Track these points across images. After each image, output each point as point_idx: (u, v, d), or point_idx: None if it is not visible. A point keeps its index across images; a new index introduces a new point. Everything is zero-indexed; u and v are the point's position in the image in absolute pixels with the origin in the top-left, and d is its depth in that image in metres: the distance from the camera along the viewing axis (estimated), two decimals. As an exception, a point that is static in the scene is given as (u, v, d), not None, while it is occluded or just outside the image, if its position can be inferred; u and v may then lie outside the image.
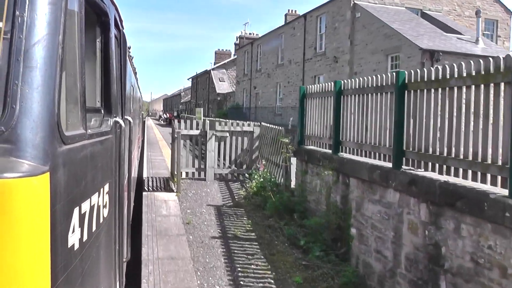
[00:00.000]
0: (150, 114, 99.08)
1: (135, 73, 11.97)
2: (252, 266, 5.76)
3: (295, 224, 7.22)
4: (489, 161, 3.83)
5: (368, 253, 5.52)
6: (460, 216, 3.97)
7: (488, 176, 3.86)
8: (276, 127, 9.60)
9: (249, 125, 11.10)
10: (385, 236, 5.17)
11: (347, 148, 6.57)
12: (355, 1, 21.37)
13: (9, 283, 1.43)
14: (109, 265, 2.77)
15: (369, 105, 5.92)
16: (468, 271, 3.82)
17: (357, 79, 6.31)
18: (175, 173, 9.56)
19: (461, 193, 3.94)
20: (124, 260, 3.44)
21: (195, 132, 10.58)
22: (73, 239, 1.83)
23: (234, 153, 10.90)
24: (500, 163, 3.70)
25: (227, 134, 10.74)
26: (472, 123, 4.09)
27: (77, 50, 2.10)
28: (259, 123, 11.28)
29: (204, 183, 10.27)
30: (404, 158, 5.11)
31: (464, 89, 4.22)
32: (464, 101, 4.24)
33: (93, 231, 2.19)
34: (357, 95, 6.25)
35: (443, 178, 4.38)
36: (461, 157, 4.21)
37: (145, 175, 11.00)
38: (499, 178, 3.71)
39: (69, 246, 1.77)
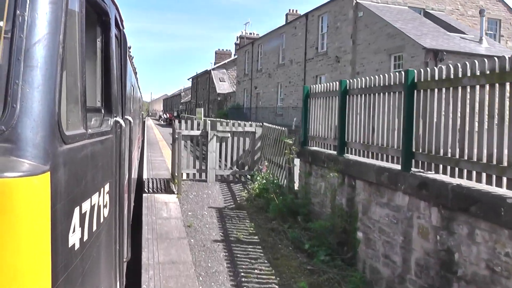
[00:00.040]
0: (150, 114, 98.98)
1: (135, 73, 11.86)
2: (256, 270, 5.58)
3: (299, 227, 7.05)
4: (505, 164, 3.66)
5: (375, 257, 5.35)
6: (474, 221, 3.80)
7: (504, 179, 3.69)
8: (279, 127, 9.43)
9: (251, 125, 10.93)
10: (393, 241, 5.00)
11: (353, 150, 6.39)
12: (358, 0, 21.19)
13: (9, 283, 1.43)
14: (109, 265, 2.77)
15: (376, 105, 5.75)
16: (483, 279, 3.65)
17: (363, 78, 6.13)
18: (176, 174, 9.39)
19: (475, 197, 3.77)
20: (124, 260, 3.43)
21: (196, 132, 10.41)
22: (74, 239, 1.83)
23: (235, 154, 10.73)
24: (517, 165, 3.53)
25: (229, 135, 10.57)
26: (486, 124, 3.92)
27: (78, 49, 2.09)
28: (261, 124, 11.11)
29: (205, 185, 10.10)
30: (413, 160, 4.94)
31: (477, 88, 4.05)
32: (477, 100, 4.07)
33: (93, 231, 2.19)
34: (363, 95, 6.08)
35: (455, 181, 4.21)
36: (475, 159, 4.04)
37: (145, 176, 10.83)
38: (516, 181, 3.54)
39: (69, 246, 1.77)
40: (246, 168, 10.74)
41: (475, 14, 23.07)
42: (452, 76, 4.36)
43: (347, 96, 6.50)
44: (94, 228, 2.21)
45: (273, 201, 7.80)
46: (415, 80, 4.93)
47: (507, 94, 3.68)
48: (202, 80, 56.02)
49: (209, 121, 11.00)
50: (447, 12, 22.72)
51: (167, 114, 65.97)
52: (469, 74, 4.13)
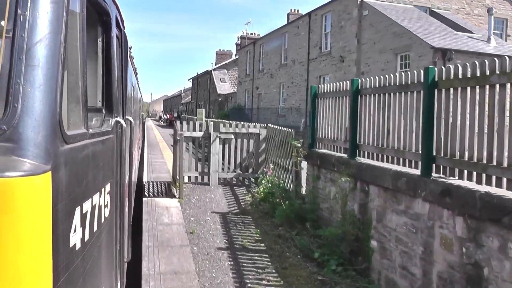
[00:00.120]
0: (150, 115, 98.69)
1: (136, 74, 11.60)
2: (264, 281, 5.24)
3: (307, 234, 6.69)
4: (543, 170, 3.31)
5: (391, 268, 5.00)
6: (507, 234, 3.45)
7: (542, 187, 3.34)
8: (285, 128, 9.07)
9: (255, 126, 10.57)
10: (412, 251, 4.65)
11: (365, 153, 6.05)
12: (362, -1, 20.83)
13: (11, 283, 1.43)
14: (110, 265, 2.76)
15: (391, 105, 5.40)
16: (519, 297, 3.30)
17: (377, 77, 5.79)
18: (177, 177, 9.04)
19: (508, 207, 3.42)
20: (125, 260, 3.42)
21: (198, 134, 10.06)
22: (75, 239, 1.84)
23: (239, 156, 10.38)
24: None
25: (232, 136, 10.22)
26: (519, 126, 3.58)
27: (79, 49, 2.08)
28: (265, 125, 10.75)
29: (208, 188, 9.75)
30: (434, 165, 4.58)
31: (508, 87, 3.70)
32: (508, 100, 3.72)
33: (94, 231, 2.19)
34: (377, 95, 5.73)
35: (482, 188, 3.86)
36: (505, 164, 3.69)
37: (145, 179, 10.47)
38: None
39: (70, 246, 1.77)
40: (250, 171, 10.39)
41: (481, 13, 22.72)
42: (478, 74, 4.01)
43: (359, 96, 6.15)
44: (95, 228, 2.22)
45: (279, 206, 7.44)
46: (436, 79, 4.59)
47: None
48: (203, 81, 55.68)
49: (211, 122, 10.64)
50: (453, 11, 22.36)
51: (167, 115, 65.66)
52: (498, 72, 3.79)
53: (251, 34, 45.89)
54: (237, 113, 37.01)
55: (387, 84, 5.48)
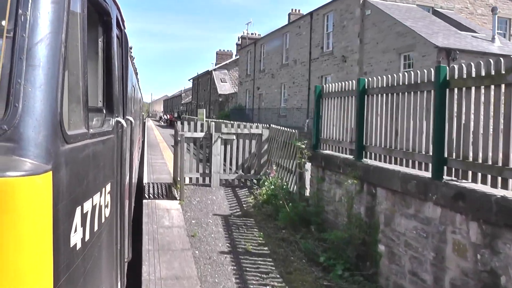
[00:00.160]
0: (151, 115, 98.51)
1: (136, 74, 11.45)
2: (268, 287, 5.07)
3: (312, 237, 6.52)
4: None
5: (400, 274, 4.82)
6: (526, 240, 3.28)
7: None
8: (289, 129, 8.89)
9: (257, 127, 10.39)
10: (422, 257, 4.48)
11: (372, 154, 5.87)
12: (365, -1, 20.65)
13: (11, 282, 1.43)
14: (110, 265, 2.76)
15: (400, 105, 5.22)
16: (540, 308, 3.13)
17: (384, 77, 5.61)
18: (178, 178, 8.87)
19: (527, 212, 3.25)
20: (125, 260, 3.42)
21: (200, 134, 9.89)
22: (75, 239, 1.84)
23: (241, 157, 10.21)
24: None
25: (234, 137, 10.05)
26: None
27: (80, 49, 2.08)
28: (268, 125, 10.58)
29: (209, 190, 9.58)
30: (445, 167, 4.41)
31: (526, 86, 3.53)
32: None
33: (95, 230, 2.19)
34: (384, 95, 5.56)
35: (498, 192, 3.68)
36: (523, 167, 3.52)
37: (145, 180, 10.30)
38: None
39: (71, 246, 1.78)
40: (252, 172, 10.22)
41: (484, 13, 22.54)
42: (493, 73, 3.84)
43: (366, 96, 5.98)
44: (96, 228, 2.22)
45: (282, 208, 7.27)
46: (447, 78, 4.41)
47: None
48: (203, 81, 55.50)
49: (213, 123, 10.47)
50: (456, 11, 22.18)
51: (168, 115, 65.52)
52: (515, 70, 3.62)
53: (252, 34, 45.72)
54: (237, 114, 36.82)
55: (395, 84, 5.31)
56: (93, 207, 2.16)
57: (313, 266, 5.69)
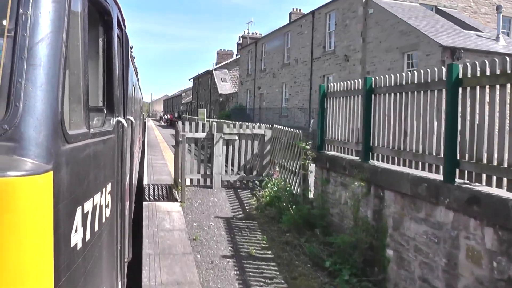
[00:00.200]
0: (151, 115, 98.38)
1: (137, 74, 11.30)
2: (272, 293, 4.90)
3: (317, 241, 6.34)
4: None
5: (410, 280, 4.65)
6: (547, 247, 3.10)
7: None
8: (292, 130, 8.71)
9: (259, 127, 10.21)
10: (433, 263, 4.30)
11: (379, 155, 5.69)
12: (367, -3, 20.43)
13: (12, 282, 1.42)
14: (111, 265, 2.76)
15: (409, 105, 5.05)
16: None
17: (392, 75, 5.44)
18: (179, 180, 8.69)
19: (549, 218, 3.07)
20: (126, 260, 3.42)
21: (201, 135, 9.71)
22: (76, 239, 1.83)
23: (243, 158, 10.03)
24: None
25: (236, 137, 9.86)
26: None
27: (80, 48, 2.08)
28: (270, 125, 10.40)
29: (211, 191, 9.40)
30: (457, 170, 4.23)
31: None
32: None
33: (95, 230, 2.19)
34: (392, 94, 5.38)
35: (515, 196, 3.51)
36: (542, 170, 3.34)
37: (145, 181, 10.12)
38: None
39: (72, 246, 1.77)
40: (255, 173, 10.04)
41: (488, 12, 22.33)
42: (509, 70, 3.66)
43: (373, 95, 5.80)
44: (96, 228, 2.21)
45: (286, 210, 7.09)
46: (460, 76, 4.24)
47: None
48: (204, 81, 55.29)
49: (214, 123, 10.29)
50: (459, 10, 21.97)
51: (168, 115, 65.33)
52: (533, 68, 3.44)
53: (253, 33, 45.52)
54: (238, 113, 36.60)
55: (404, 83, 5.13)
56: (94, 207, 2.16)
57: (319, 271, 5.52)
